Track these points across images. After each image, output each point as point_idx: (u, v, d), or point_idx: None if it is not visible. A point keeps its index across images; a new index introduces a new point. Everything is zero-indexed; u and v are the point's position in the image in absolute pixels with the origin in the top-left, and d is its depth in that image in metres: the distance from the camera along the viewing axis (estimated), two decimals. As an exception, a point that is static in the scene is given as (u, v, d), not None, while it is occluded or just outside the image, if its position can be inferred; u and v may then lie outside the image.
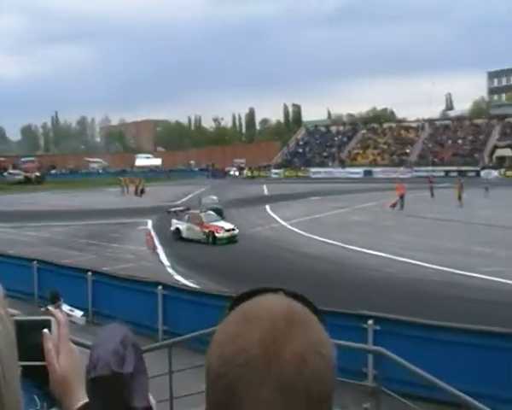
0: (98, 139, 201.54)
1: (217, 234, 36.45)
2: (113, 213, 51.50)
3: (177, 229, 38.41)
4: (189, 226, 37.94)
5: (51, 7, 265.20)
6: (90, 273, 20.79)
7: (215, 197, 51.35)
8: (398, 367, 9.22)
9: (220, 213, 42.36)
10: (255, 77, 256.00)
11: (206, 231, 36.81)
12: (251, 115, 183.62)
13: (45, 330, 1.71)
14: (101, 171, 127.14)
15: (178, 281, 25.49)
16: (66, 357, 1.73)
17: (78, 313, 18.36)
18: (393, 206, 51.25)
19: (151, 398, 1.92)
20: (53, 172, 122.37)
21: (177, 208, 42.35)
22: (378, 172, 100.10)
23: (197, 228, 37.39)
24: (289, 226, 41.80)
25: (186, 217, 38.95)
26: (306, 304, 1.25)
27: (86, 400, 1.74)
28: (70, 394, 1.74)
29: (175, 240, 37.59)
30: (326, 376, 1.16)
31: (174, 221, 39.24)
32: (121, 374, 1.76)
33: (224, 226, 37.47)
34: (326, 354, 1.17)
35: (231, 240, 36.38)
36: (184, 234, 37.84)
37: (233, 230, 37.23)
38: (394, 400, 9.83)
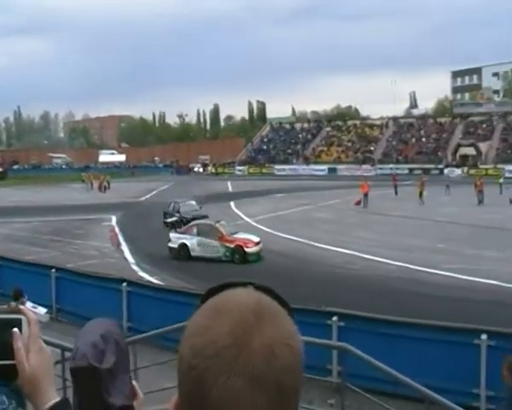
0: (62, 135, 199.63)
1: (247, 249, 29.72)
2: (76, 210, 51.21)
3: (183, 245, 30.74)
4: (201, 241, 30.49)
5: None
6: (53, 270, 20.65)
7: (194, 202, 43.69)
8: (363, 363, 9.29)
9: None
10: (220, 73, 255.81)
11: (231, 246, 29.85)
12: (215, 112, 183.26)
13: (15, 329, 1.70)
14: (64, 166, 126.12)
15: (143, 278, 25.41)
16: (36, 356, 1.71)
17: (42, 310, 18.20)
18: (358, 204, 51.54)
19: (139, 392, 1.91)
20: (15, 167, 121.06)
21: (173, 219, 36.26)
22: (342, 169, 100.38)
23: (215, 243, 30.10)
24: (254, 223, 41.79)
25: (195, 230, 31.24)
26: (275, 298, 1.27)
27: (57, 399, 1.72)
28: (40, 393, 1.71)
29: (180, 260, 30.27)
30: (295, 368, 1.18)
31: (174, 235, 31.70)
32: (98, 368, 1.75)
33: (251, 239, 30.77)
34: (294, 346, 1.19)
35: (259, 255, 30.06)
36: (196, 251, 30.52)
37: (259, 242, 30.62)
38: (359, 395, 9.90)
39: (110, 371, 1.77)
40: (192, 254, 30.53)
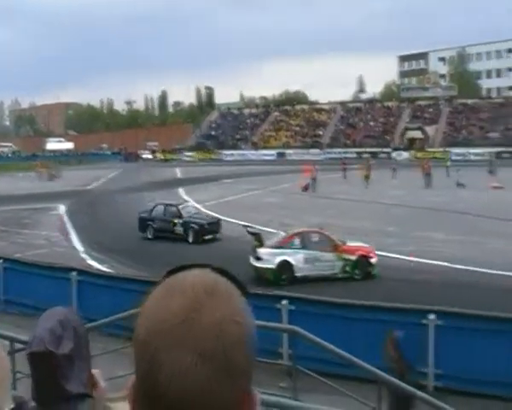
0: (8, 123, 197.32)
1: (372, 260, 23.89)
2: (24, 199, 50.31)
3: (285, 264, 23.44)
4: (310, 255, 23.55)
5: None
6: (0, 261, 20.38)
7: (191, 203, 37.30)
8: (314, 346, 9.35)
9: (215, 228, 32.18)
10: (167, 59, 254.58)
11: (352, 257, 23.67)
12: (163, 98, 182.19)
13: None
14: (10, 155, 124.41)
15: (92, 266, 25.23)
16: None
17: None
18: (305, 188, 51.71)
19: (101, 382, 1.90)
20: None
21: (251, 228, 26.93)
22: (291, 154, 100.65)
23: (328, 256, 23.65)
24: (203, 209, 41.65)
25: (297, 240, 24.02)
26: (231, 279, 1.29)
27: (12, 405, 1.67)
28: None
29: (282, 284, 22.26)
30: (244, 345, 1.20)
31: (268, 252, 23.70)
32: (55, 353, 1.74)
33: (368, 246, 24.88)
34: (244, 323, 1.21)
35: None
36: (302, 270, 23.41)
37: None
38: (311, 378, 9.97)
39: (68, 358, 1.76)
40: (297, 274, 23.32)
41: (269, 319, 11.33)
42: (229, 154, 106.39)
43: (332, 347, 8.79)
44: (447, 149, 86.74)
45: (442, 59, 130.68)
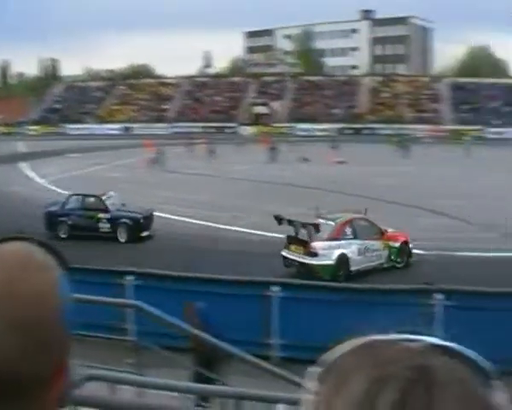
0: None
1: (411, 246, 22.55)
2: None
3: (342, 258, 20.85)
4: (362, 246, 21.43)
5: None
6: None
7: (113, 193, 27.99)
8: (159, 321, 9.37)
9: (150, 223, 26.62)
10: (9, 28, 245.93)
11: (396, 245, 22.15)
12: (4, 69, 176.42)
13: None
14: None
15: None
16: None
17: None
18: (152, 163, 51.54)
19: None
20: None
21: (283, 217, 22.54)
22: (137, 128, 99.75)
23: (378, 244, 21.85)
24: (47, 185, 40.80)
25: (348, 229, 21.56)
26: (52, 252, 1.27)
27: None
28: None
29: (340, 280, 19.77)
30: (57, 317, 1.19)
31: (324, 245, 20.86)
32: None
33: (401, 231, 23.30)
34: (58, 295, 1.20)
35: None
36: (356, 263, 21.18)
37: None
38: (156, 353, 9.99)
39: None
40: (352, 268, 21.01)
41: (113, 295, 11.26)
42: (74, 128, 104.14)
43: (174, 320, 8.84)
44: (292, 124, 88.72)
45: (288, 36, 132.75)
